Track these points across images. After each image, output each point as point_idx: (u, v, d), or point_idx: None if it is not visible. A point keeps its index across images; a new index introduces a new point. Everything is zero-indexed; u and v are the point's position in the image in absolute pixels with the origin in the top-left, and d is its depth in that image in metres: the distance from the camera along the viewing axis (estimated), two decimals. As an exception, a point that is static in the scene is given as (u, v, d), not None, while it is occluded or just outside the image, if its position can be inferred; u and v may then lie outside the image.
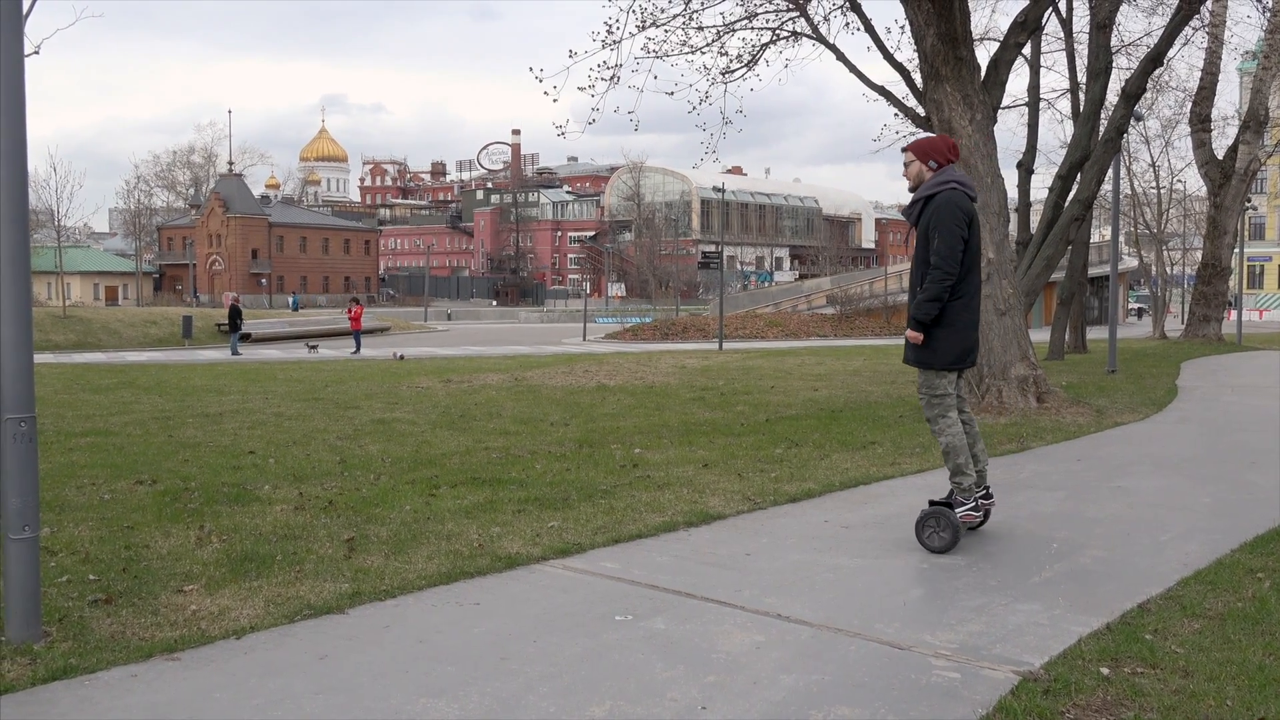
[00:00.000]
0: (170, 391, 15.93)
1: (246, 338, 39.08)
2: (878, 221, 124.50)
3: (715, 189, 77.90)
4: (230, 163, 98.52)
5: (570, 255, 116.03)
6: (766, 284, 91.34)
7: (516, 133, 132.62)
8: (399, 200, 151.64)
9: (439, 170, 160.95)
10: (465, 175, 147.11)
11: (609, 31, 12.18)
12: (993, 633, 4.15)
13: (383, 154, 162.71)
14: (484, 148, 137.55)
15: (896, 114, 13.96)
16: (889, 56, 13.25)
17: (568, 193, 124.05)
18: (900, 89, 13.66)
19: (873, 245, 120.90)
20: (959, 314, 5.36)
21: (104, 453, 9.12)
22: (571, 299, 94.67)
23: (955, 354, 5.38)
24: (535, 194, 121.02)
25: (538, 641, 4.04)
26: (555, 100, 12.75)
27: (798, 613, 4.39)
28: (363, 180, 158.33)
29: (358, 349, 31.31)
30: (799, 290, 58.29)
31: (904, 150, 5.69)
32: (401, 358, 26.73)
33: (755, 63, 13.48)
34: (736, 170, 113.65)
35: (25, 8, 4.79)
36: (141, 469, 8.15)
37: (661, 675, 3.69)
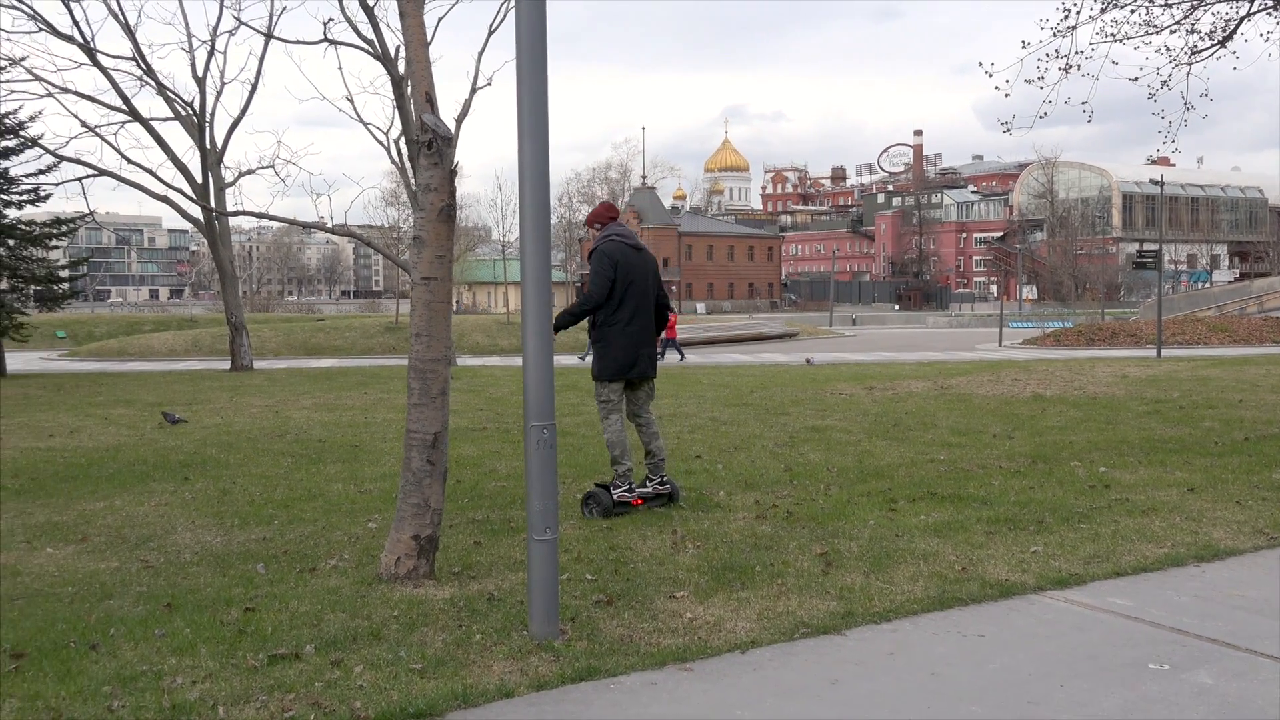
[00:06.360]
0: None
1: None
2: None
3: (1150, 181, 71.84)
4: (643, 176, 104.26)
5: (975, 257, 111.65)
6: (1203, 284, 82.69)
7: (918, 134, 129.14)
8: (799, 206, 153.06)
9: (839, 175, 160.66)
10: (865, 179, 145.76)
11: (1065, 17, 11.35)
12: None
13: (783, 161, 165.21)
14: (884, 150, 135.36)
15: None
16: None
17: (973, 193, 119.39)
18: None
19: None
20: (615, 338, 6.75)
21: (565, 453, 9.70)
22: (978, 302, 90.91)
23: (614, 369, 6.79)
24: (938, 195, 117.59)
25: (1065, 686, 3.67)
26: (1007, 95, 12.06)
27: (1379, 678, 3.69)
28: (764, 188, 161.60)
29: (681, 357, 31.11)
30: (1246, 291, 52.20)
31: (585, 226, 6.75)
32: (809, 361, 26.98)
33: (1230, 39, 12.01)
34: (1163, 161, 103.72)
35: (481, 44, 5.15)
36: (602, 470, 8.58)
37: (1227, 741, 3.21)
